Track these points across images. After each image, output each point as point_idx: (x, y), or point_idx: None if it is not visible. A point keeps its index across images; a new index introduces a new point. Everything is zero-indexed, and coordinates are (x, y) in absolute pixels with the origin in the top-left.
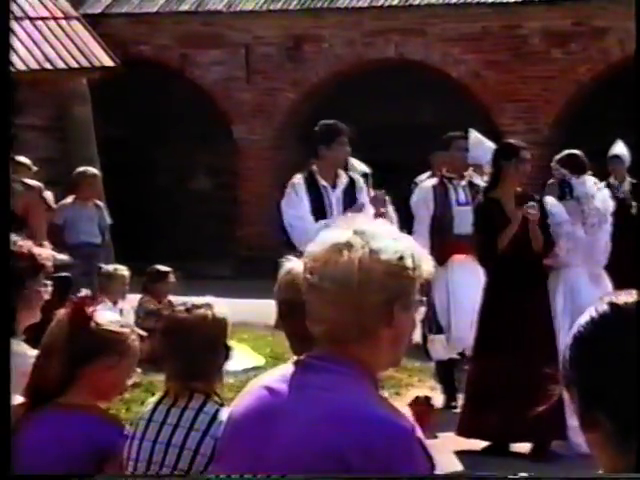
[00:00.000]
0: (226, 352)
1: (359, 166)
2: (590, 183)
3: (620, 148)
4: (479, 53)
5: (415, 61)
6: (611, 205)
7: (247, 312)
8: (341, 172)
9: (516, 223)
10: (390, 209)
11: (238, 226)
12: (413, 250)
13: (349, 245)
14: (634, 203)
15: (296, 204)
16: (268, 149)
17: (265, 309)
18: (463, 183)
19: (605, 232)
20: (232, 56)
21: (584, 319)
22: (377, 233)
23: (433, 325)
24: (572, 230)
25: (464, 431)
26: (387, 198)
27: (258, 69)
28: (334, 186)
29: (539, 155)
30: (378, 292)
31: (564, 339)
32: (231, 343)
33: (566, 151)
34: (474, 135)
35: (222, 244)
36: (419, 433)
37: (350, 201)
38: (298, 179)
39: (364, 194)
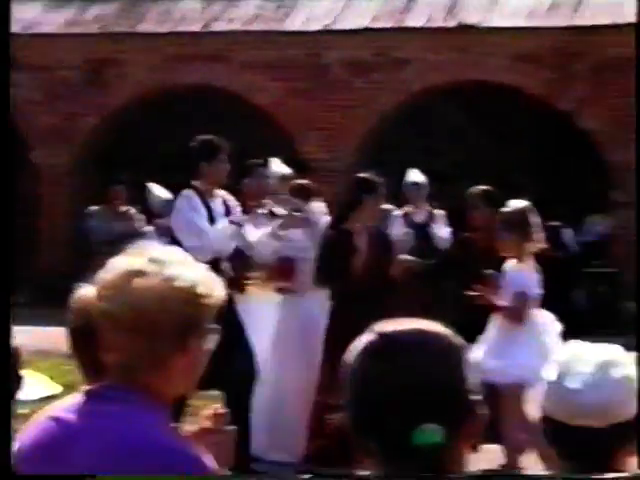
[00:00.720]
0: (17, 382)
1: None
2: (319, 209)
3: (416, 175)
4: (282, 81)
5: (218, 87)
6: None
7: (44, 340)
8: (216, 191)
9: (363, 255)
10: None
11: (34, 252)
12: (207, 278)
13: (143, 272)
14: (433, 232)
15: (194, 216)
16: (67, 174)
17: (62, 337)
18: (263, 211)
19: None
20: (31, 79)
21: (355, 348)
22: (171, 260)
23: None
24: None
25: None
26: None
27: (58, 93)
28: (214, 203)
29: (342, 183)
30: (172, 320)
31: None
32: (26, 372)
33: (297, 180)
34: (274, 163)
35: (18, 270)
36: (207, 462)
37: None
38: (188, 192)
39: (237, 214)
